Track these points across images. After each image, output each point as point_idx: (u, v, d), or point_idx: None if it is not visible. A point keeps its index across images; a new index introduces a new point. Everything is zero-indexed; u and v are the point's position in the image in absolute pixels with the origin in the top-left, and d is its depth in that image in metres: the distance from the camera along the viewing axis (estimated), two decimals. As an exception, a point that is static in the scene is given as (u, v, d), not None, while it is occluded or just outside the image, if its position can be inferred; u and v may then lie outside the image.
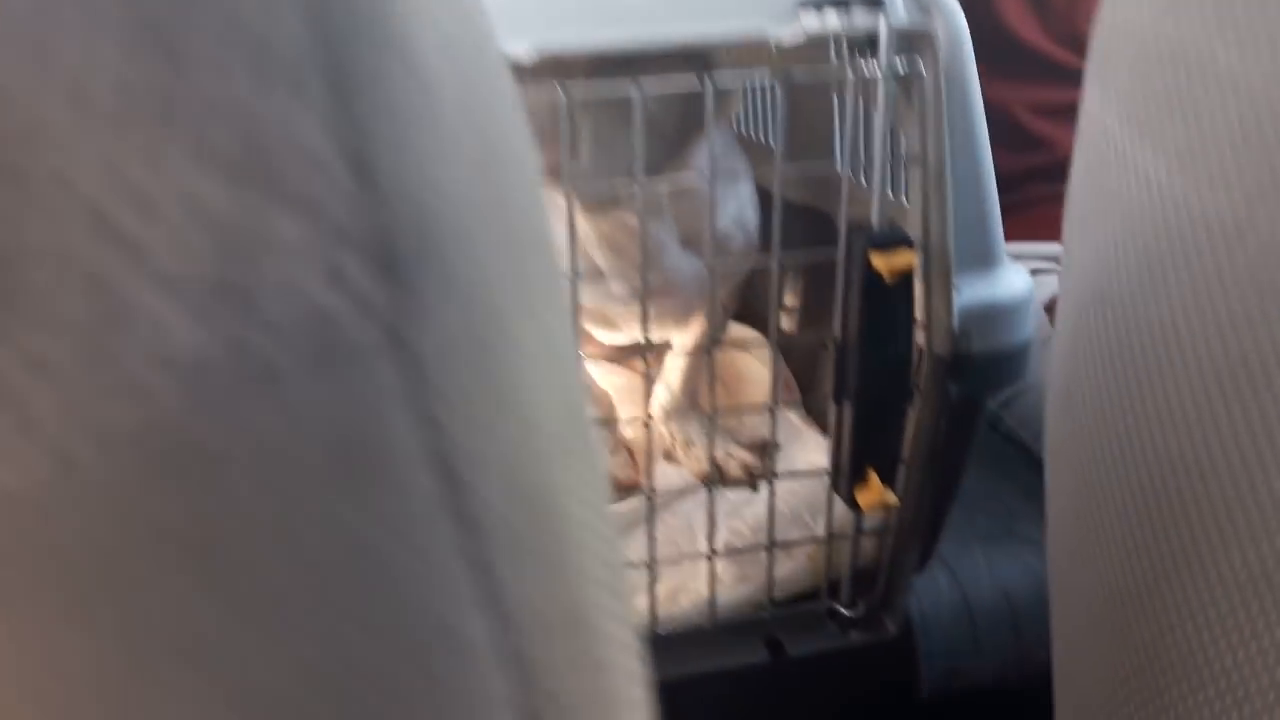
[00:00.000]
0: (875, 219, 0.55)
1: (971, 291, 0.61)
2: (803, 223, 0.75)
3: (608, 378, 0.86)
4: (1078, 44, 1.09)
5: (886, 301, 0.56)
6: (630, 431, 0.82)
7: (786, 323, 0.86)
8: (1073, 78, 1.07)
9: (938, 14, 0.54)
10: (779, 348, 0.67)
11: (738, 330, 0.88)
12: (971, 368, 0.61)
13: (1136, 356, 0.30)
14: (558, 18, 0.51)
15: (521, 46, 0.48)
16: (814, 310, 0.83)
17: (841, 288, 0.57)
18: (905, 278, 0.56)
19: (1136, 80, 0.30)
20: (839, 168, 0.61)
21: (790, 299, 0.86)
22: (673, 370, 0.82)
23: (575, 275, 0.61)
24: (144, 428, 0.12)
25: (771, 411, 0.66)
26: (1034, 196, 1.03)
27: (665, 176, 0.63)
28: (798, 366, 0.84)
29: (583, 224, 0.67)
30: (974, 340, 0.61)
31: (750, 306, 0.87)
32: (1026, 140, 1.08)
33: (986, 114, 0.58)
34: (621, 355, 0.88)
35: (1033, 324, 0.65)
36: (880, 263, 0.55)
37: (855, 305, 0.57)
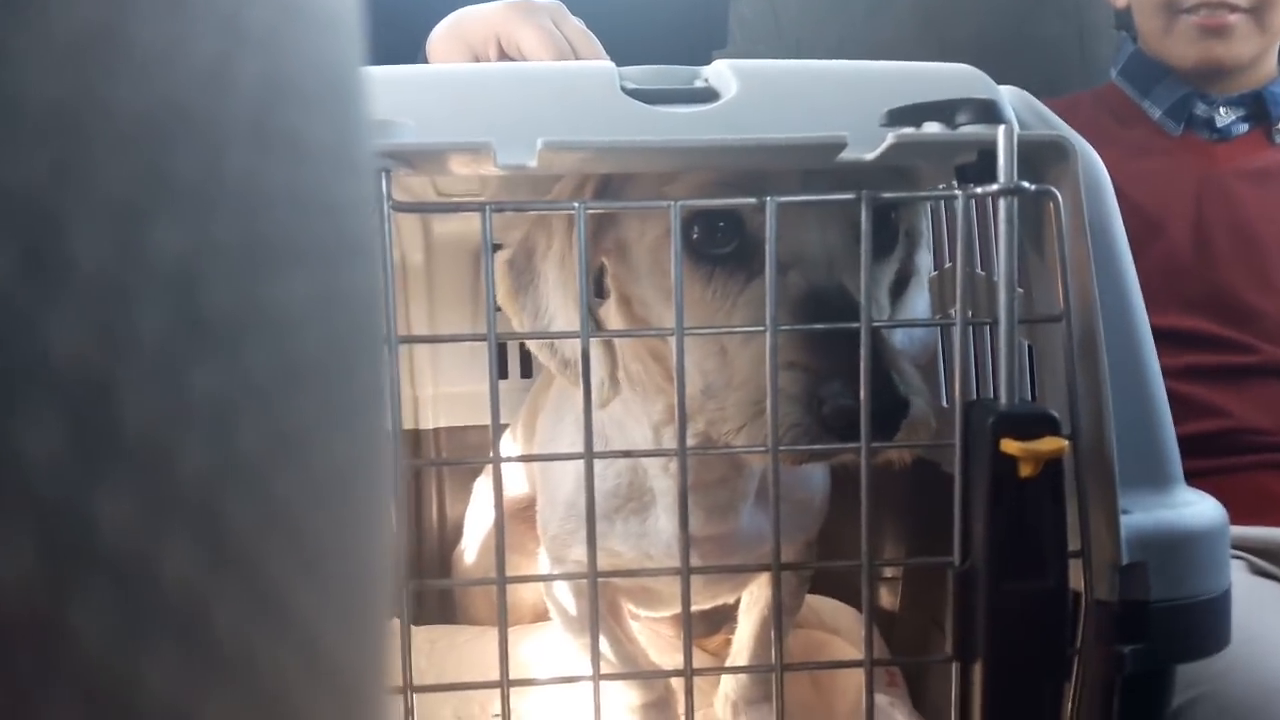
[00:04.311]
0: (1004, 389, 0.41)
1: (1146, 516, 0.44)
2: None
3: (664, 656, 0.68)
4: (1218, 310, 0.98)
5: (1024, 505, 0.40)
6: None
7: (886, 596, 0.68)
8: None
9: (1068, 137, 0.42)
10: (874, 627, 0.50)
11: (817, 603, 0.70)
12: (1150, 623, 0.44)
13: None
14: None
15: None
16: (922, 582, 0.65)
17: (959, 488, 0.42)
18: (1051, 473, 0.40)
19: None
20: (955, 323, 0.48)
21: (889, 570, 0.69)
22: (740, 646, 0.64)
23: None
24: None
25: (868, 710, 0.47)
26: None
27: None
28: (902, 647, 0.65)
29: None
30: (1152, 582, 0.44)
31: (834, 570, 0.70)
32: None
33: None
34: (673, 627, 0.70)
35: (1229, 570, 0.47)
36: (1015, 449, 0.39)
37: (981, 510, 0.41)
